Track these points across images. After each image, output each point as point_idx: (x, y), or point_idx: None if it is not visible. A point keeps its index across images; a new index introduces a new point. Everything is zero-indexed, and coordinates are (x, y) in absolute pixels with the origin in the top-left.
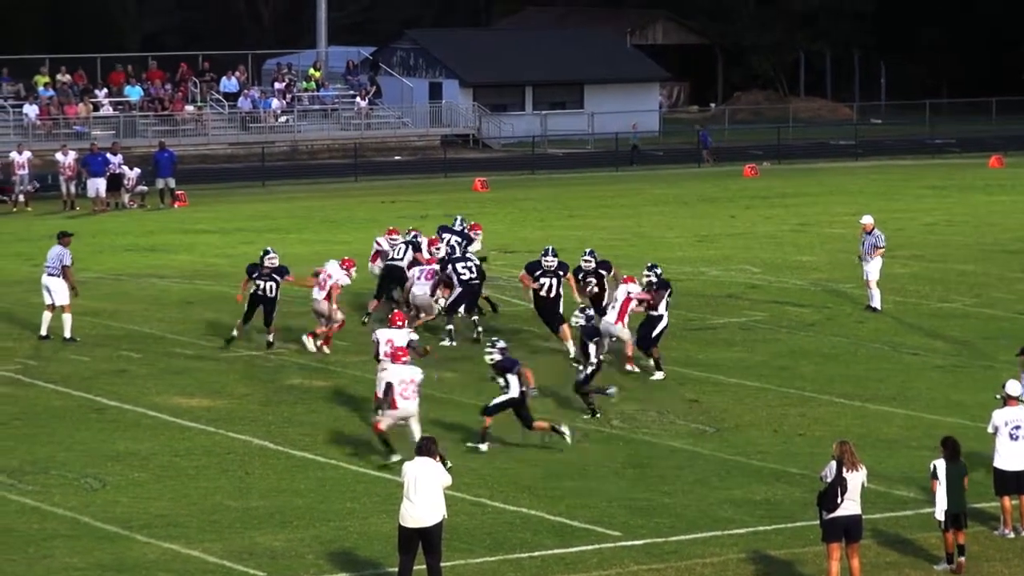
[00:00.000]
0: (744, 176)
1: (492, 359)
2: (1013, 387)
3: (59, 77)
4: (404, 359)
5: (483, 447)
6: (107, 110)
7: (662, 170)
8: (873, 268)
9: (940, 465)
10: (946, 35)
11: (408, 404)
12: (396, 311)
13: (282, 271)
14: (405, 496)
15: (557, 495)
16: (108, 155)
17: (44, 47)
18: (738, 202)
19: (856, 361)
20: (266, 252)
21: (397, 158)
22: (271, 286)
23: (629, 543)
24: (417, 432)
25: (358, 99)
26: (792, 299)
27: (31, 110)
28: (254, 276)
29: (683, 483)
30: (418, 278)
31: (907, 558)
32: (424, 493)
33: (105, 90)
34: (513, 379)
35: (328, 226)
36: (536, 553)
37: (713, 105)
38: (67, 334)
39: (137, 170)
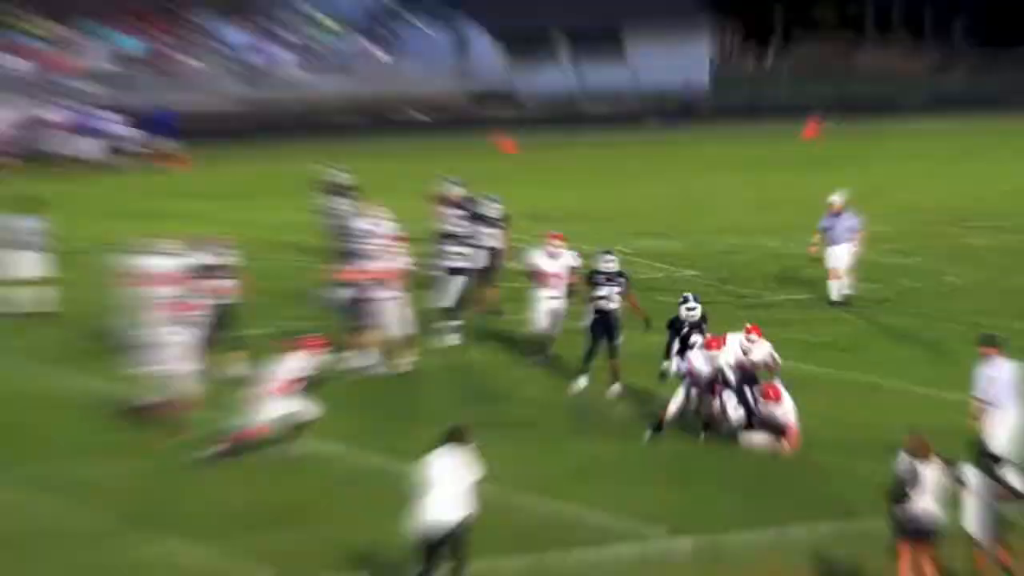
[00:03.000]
0: (806, 136)
1: None
2: None
3: (47, 26)
4: None
5: None
6: (103, 64)
7: (714, 128)
8: (842, 254)
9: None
10: None
11: None
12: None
13: None
14: (427, 490)
15: (596, 491)
16: (101, 113)
17: None
18: (798, 165)
19: (931, 343)
20: None
21: (418, 116)
22: None
23: (677, 543)
24: None
25: (377, 51)
26: (859, 273)
27: (18, 62)
28: None
29: (735, 478)
30: None
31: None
32: (449, 487)
33: (100, 41)
34: None
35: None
36: (574, 553)
37: (769, 56)
38: (31, 308)
39: (132, 129)
